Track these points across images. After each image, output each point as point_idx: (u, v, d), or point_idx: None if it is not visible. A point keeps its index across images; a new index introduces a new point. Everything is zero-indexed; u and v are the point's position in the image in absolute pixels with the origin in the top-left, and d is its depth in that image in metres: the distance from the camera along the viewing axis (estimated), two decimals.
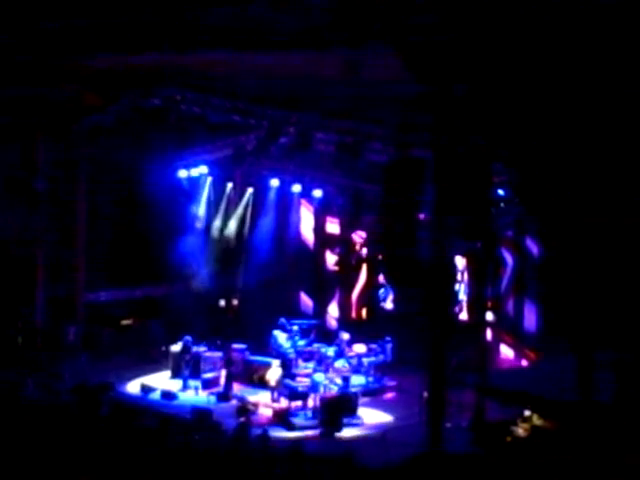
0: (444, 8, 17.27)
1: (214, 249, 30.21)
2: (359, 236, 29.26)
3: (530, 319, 24.88)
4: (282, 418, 22.58)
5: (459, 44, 17.94)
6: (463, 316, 25.95)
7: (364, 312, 29.33)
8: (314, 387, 23.22)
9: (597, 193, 19.80)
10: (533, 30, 17.39)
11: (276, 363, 24.47)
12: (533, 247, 24.81)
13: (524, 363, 24.97)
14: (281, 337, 26.32)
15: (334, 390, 23.17)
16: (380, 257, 28.47)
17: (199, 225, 30.08)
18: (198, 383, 25.06)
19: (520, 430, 19.68)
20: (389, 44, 18.19)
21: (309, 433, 21.90)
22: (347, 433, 21.92)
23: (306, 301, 30.44)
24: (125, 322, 29.63)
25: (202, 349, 26.08)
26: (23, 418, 19.93)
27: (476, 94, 18.88)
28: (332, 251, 30.12)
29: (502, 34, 17.73)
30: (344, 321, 29.15)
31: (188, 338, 26.00)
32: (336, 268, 30.08)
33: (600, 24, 16.95)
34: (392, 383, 25.45)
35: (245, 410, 22.55)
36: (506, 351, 25.34)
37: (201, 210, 30.20)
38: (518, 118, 19.16)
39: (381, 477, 17.72)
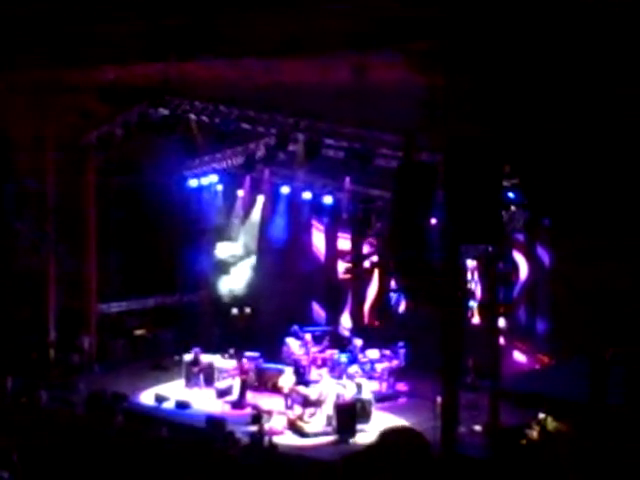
0: (454, 8, 17.29)
1: (225, 257, 30.19)
2: (370, 242, 29.25)
3: (542, 323, 24.80)
4: (296, 425, 22.56)
5: (470, 43, 17.93)
6: (475, 320, 25.91)
7: (377, 318, 29.28)
8: (325, 394, 23.17)
9: (607, 195, 19.73)
10: (545, 31, 17.36)
11: (289, 370, 24.48)
12: (544, 255, 24.76)
13: (537, 367, 24.89)
14: (294, 344, 26.31)
15: (347, 396, 23.12)
16: (392, 263, 28.42)
17: (210, 234, 30.08)
18: (212, 392, 25.09)
19: (535, 433, 19.60)
20: (398, 48, 18.21)
21: (323, 440, 21.90)
22: (361, 439, 21.90)
23: (318, 311, 30.42)
24: (138, 332, 29.70)
25: (215, 358, 26.10)
26: (39, 429, 19.96)
27: (487, 96, 18.86)
28: (343, 259, 30.13)
29: (514, 34, 17.70)
30: (357, 327, 29.12)
31: (197, 349, 26.04)
32: (348, 276, 30.07)
33: (610, 21, 16.92)
34: (406, 388, 25.42)
35: (259, 418, 22.55)
36: (519, 355, 25.27)
37: (212, 219, 30.21)
38: (530, 121, 19.11)
39: None
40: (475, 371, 22.61)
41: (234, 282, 30.38)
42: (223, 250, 30.34)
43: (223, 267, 30.46)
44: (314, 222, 30.19)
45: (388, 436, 18.66)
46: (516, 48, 18.14)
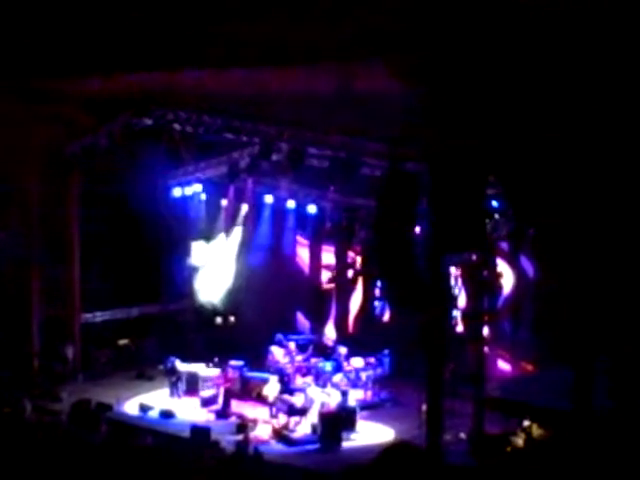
0: (438, 19, 17.37)
1: (209, 267, 30.14)
2: (355, 251, 29.32)
3: (526, 332, 24.87)
4: (281, 434, 22.58)
5: (454, 54, 18.02)
6: (459, 329, 25.97)
7: (361, 327, 29.32)
8: (310, 402, 23.22)
9: (590, 205, 19.84)
10: (529, 41, 17.46)
11: (274, 379, 24.49)
12: (528, 267, 24.87)
13: (521, 375, 24.97)
14: (278, 353, 26.34)
15: (332, 405, 23.16)
16: (376, 271, 28.48)
17: (193, 243, 30.04)
18: (196, 401, 25.08)
19: (520, 441, 19.71)
20: (382, 57, 18.28)
21: (308, 448, 21.93)
22: (346, 447, 21.94)
23: (303, 321, 30.44)
24: (122, 342, 29.64)
25: (199, 367, 26.09)
26: (22, 439, 19.89)
27: (470, 106, 18.95)
28: (328, 269, 30.19)
29: (498, 44, 17.79)
30: (341, 335, 29.16)
31: (172, 358, 26.03)
32: (331, 285, 30.12)
33: (594, 32, 17.04)
34: (390, 396, 25.46)
35: (244, 427, 22.57)
36: (502, 364, 25.36)
37: (195, 228, 30.18)
38: (513, 130, 19.22)
39: None
40: (454, 377, 22.66)
41: (210, 288, 30.15)
42: (197, 253, 30.09)
43: (207, 275, 30.36)
44: (298, 238, 30.24)
45: (390, 452, 18.66)
46: (500, 57, 18.23)
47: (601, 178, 19.05)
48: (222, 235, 29.62)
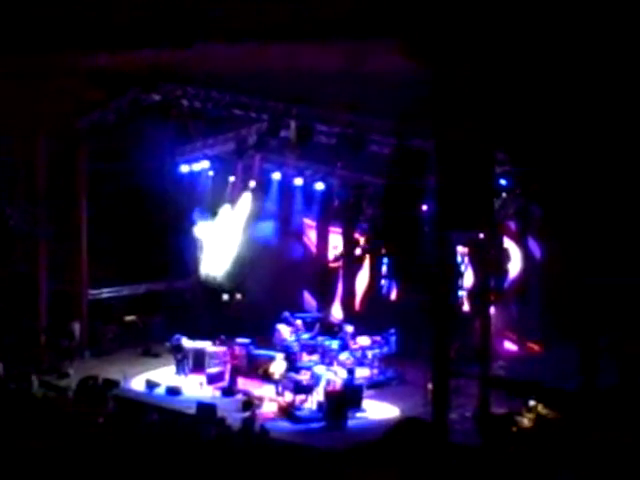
0: None
1: (216, 244, 30.04)
2: (362, 229, 29.20)
3: (533, 311, 24.76)
4: (287, 411, 22.59)
5: (464, 31, 17.89)
6: (465, 308, 25.90)
7: (367, 305, 29.27)
8: (316, 380, 23.21)
9: (598, 185, 19.74)
10: (538, 16, 17.33)
11: (280, 357, 24.48)
12: (535, 248, 24.74)
13: (527, 355, 24.90)
14: (285, 331, 26.32)
15: (338, 383, 23.15)
16: (383, 249, 28.40)
17: (201, 220, 29.92)
18: (203, 378, 25.09)
19: (525, 420, 19.65)
20: (391, 34, 18.15)
21: (314, 426, 21.94)
22: (351, 425, 21.94)
23: (309, 300, 30.39)
24: (128, 318, 29.66)
25: (206, 344, 26.10)
26: (30, 414, 19.94)
27: (479, 82, 18.83)
28: (335, 248, 30.14)
29: (509, 21, 17.66)
30: (348, 314, 29.12)
31: (178, 336, 26.02)
32: (338, 264, 30.05)
33: (605, 13, 16.92)
34: (396, 375, 25.43)
35: (250, 404, 22.58)
36: (509, 344, 25.28)
37: (203, 204, 30.06)
38: (522, 107, 19.11)
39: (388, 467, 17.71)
40: (459, 356, 22.60)
41: (215, 262, 29.99)
42: (203, 229, 29.93)
43: (214, 253, 30.23)
44: (306, 220, 30.15)
45: (400, 427, 18.71)
46: (511, 35, 18.10)
47: (608, 157, 18.94)
48: (227, 207, 29.32)
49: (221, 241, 29.25)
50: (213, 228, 29.29)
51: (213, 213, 29.34)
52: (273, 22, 19.34)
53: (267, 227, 29.60)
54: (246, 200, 29.14)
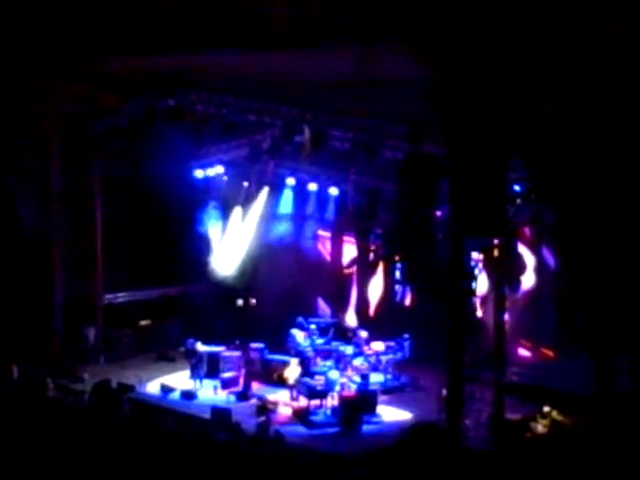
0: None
1: (231, 249, 30.06)
2: (375, 235, 29.18)
3: (547, 317, 24.69)
4: (301, 416, 22.61)
5: (476, 33, 17.89)
6: (479, 313, 25.85)
7: (381, 310, 29.25)
8: (330, 385, 23.23)
9: (613, 191, 19.69)
10: (552, 20, 17.32)
11: (294, 362, 24.51)
12: (549, 257, 24.68)
13: (542, 361, 24.83)
14: (299, 336, 26.34)
15: (352, 388, 23.16)
16: (397, 255, 28.40)
17: (215, 225, 29.95)
18: (217, 383, 25.13)
19: (539, 426, 19.64)
20: (402, 38, 18.18)
21: (328, 431, 21.95)
22: (366, 431, 21.94)
23: (324, 307, 30.39)
24: (143, 323, 29.72)
25: (220, 349, 26.14)
26: (45, 418, 20.01)
27: (493, 87, 18.82)
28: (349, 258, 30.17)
29: (521, 24, 17.66)
30: (362, 320, 29.12)
31: (191, 340, 26.08)
32: (352, 270, 30.04)
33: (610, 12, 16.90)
34: (410, 380, 25.42)
35: (264, 409, 22.62)
36: (523, 350, 25.22)
37: (217, 210, 30.07)
38: (536, 113, 19.09)
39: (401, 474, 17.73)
40: (473, 362, 22.56)
41: (227, 263, 29.96)
42: (228, 240, 29.97)
43: (228, 257, 30.22)
44: (320, 232, 30.16)
45: (414, 433, 18.72)
46: (523, 37, 18.10)
47: (624, 163, 18.91)
48: (240, 209, 29.33)
49: (233, 241, 29.27)
50: (226, 228, 29.34)
51: (226, 215, 29.39)
52: (286, 28, 19.41)
53: (281, 229, 29.57)
54: (260, 203, 29.16)
